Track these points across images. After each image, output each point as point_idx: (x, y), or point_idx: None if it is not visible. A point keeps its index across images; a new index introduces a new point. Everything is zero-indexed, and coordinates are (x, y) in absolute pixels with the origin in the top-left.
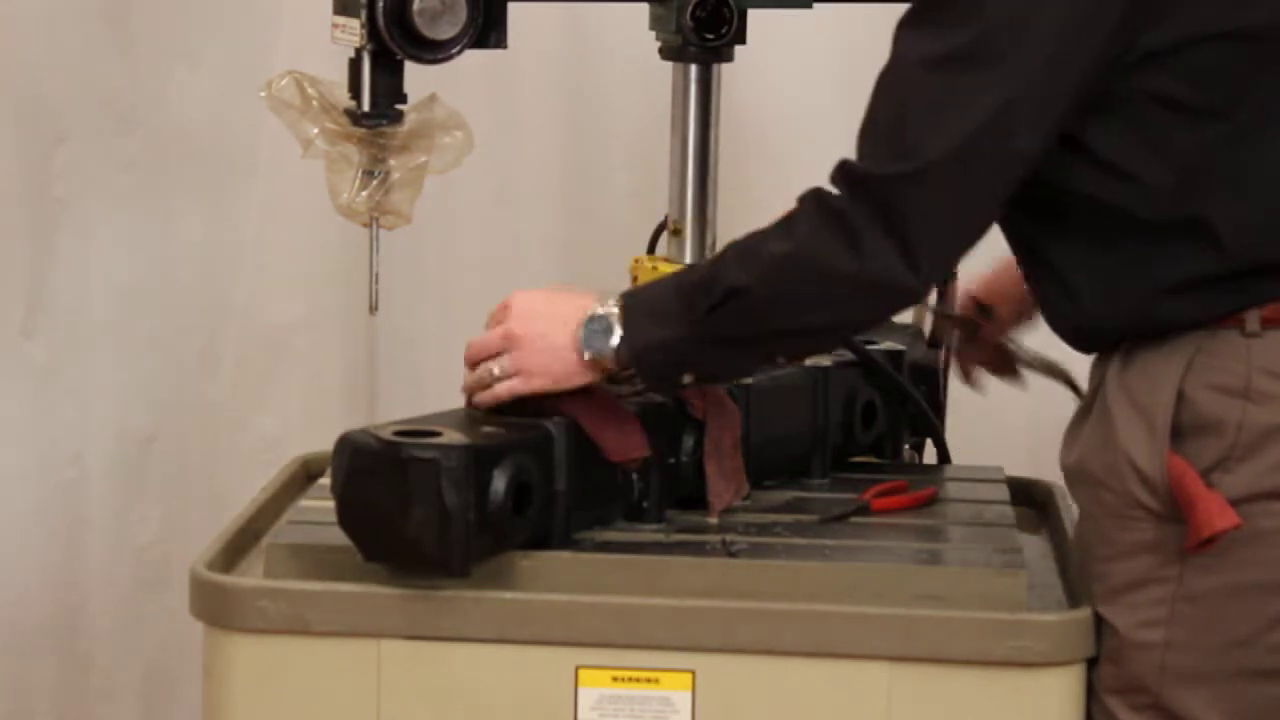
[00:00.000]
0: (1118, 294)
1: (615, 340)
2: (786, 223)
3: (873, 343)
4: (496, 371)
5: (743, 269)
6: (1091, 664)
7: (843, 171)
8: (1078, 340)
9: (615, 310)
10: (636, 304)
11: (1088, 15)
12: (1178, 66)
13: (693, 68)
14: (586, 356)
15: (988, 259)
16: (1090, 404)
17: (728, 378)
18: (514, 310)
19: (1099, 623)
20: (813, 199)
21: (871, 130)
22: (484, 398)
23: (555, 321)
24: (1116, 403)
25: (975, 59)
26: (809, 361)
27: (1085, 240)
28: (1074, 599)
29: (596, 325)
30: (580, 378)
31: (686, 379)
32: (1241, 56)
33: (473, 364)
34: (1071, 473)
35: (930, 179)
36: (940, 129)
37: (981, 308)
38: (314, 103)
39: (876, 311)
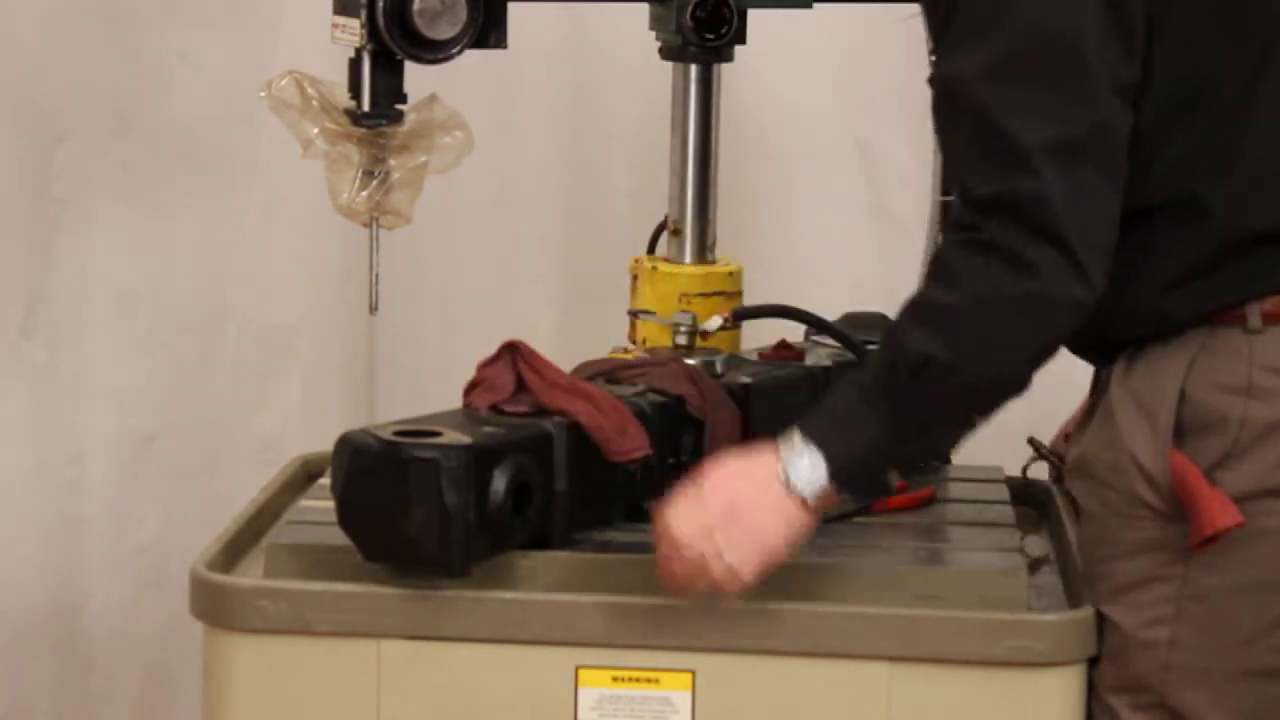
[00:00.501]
0: (1123, 293)
1: (822, 468)
2: (940, 275)
3: (873, 343)
4: (722, 547)
5: (922, 336)
6: (1092, 664)
7: (969, 205)
8: (1087, 350)
9: (804, 442)
10: (820, 426)
11: None
12: (1160, 48)
13: (693, 68)
14: (805, 498)
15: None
16: (1094, 405)
17: (930, 459)
18: (710, 486)
19: (1101, 622)
20: (955, 242)
21: (969, 157)
22: (730, 586)
23: (757, 478)
24: (1120, 402)
25: (1030, 51)
26: (808, 361)
27: None
28: (1074, 599)
29: (798, 463)
30: (807, 524)
31: (892, 477)
32: (1216, 29)
33: (678, 550)
34: (1074, 472)
35: (1055, 174)
36: (1038, 124)
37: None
38: (314, 103)
39: (1061, 328)
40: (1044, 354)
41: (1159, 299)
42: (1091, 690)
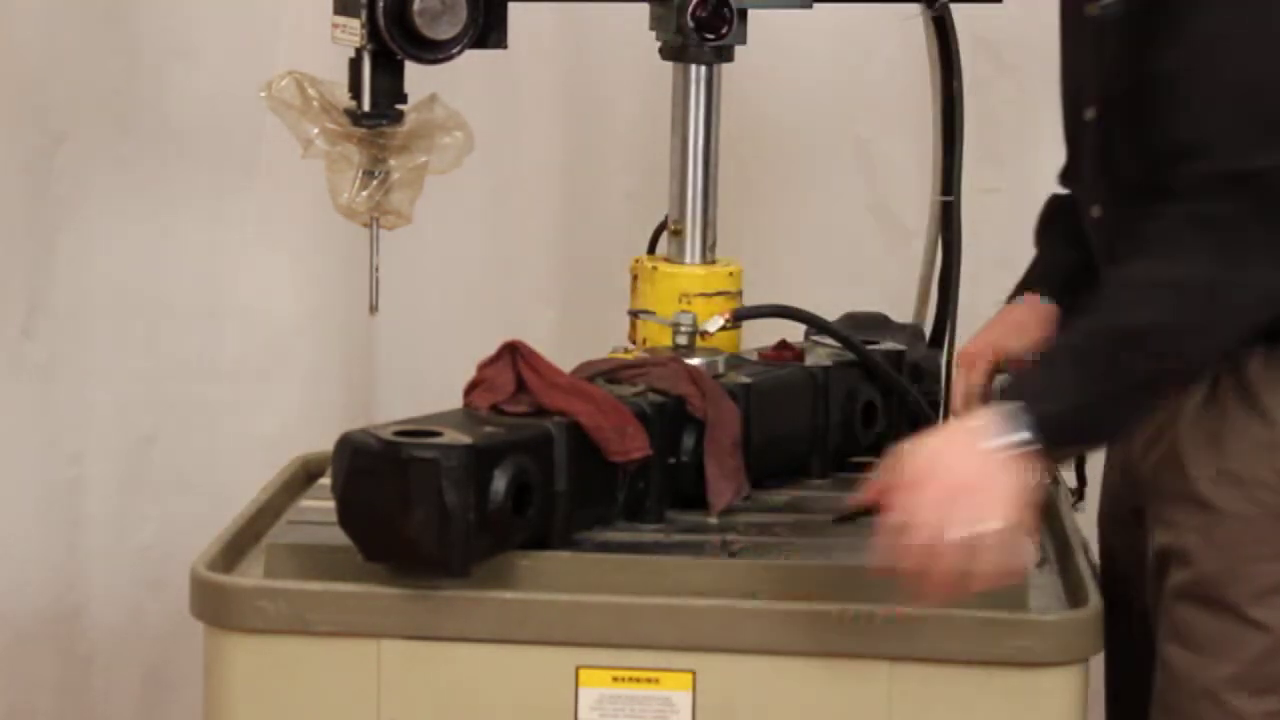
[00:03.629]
0: None
1: (1027, 424)
2: (1166, 246)
3: (873, 343)
4: (960, 524)
5: (1147, 307)
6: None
7: (1207, 178)
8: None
9: (1007, 405)
10: (1025, 391)
11: None
12: None
13: (693, 68)
14: (1019, 452)
15: None
16: (1210, 405)
17: (1119, 436)
18: (924, 463)
19: (1239, 625)
20: (1186, 216)
21: (1223, 125)
22: (983, 565)
23: (965, 448)
24: (1274, 401)
25: None
26: (808, 361)
27: None
28: (1074, 599)
29: (1004, 426)
30: (1023, 481)
31: (1082, 447)
32: None
33: (898, 534)
34: (1219, 477)
35: None
36: None
37: None
38: (314, 103)
39: (1264, 317)
40: (1239, 341)
41: None
42: (1208, 696)
